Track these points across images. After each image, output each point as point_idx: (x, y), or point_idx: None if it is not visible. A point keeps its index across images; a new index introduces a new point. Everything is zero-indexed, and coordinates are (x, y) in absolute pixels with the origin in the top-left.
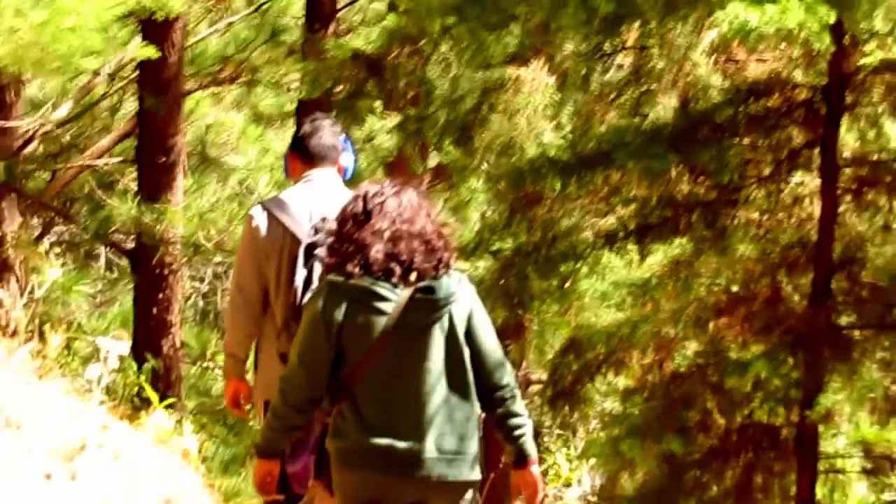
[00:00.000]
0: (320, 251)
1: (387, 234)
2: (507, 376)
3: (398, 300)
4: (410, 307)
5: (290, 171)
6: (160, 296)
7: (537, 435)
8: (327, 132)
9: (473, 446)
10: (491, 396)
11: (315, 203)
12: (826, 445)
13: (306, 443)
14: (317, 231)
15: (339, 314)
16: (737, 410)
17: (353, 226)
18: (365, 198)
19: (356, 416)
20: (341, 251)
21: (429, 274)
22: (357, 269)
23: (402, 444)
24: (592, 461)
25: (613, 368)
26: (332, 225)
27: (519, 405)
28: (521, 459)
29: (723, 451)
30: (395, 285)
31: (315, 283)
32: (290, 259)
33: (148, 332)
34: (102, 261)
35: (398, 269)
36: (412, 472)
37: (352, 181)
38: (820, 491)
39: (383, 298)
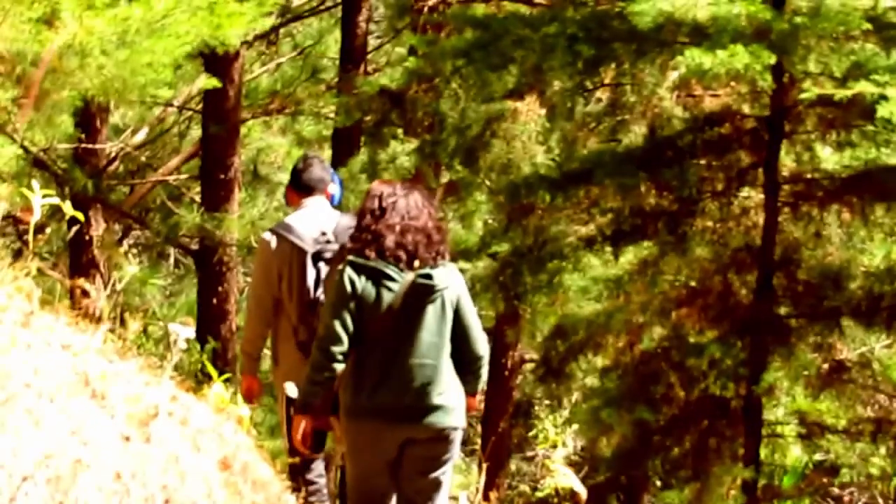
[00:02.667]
0: (326, 256)
1: (397, 228)
2: (483, 349)
3: (403, 282)
4: (412, 289)
5: (289, 201)
6: (219, 289)
7: (530, 406)
8: (317, 168)
9: (453, 401)
10: (469, 362)
11: (312, 223)
12: (768, 414)
13: (327, 407)
14: (317, 243)
15: (359, 285)
16: (695, 385)
17: (371, 219)
18: (381, 197)
19: (359, 375)
20: (361, 239)
21: (428, 262)
22: (373, 254)
23: (395, 400)
24: (576, 427)
25: (593, 350)
26: (349, 222)
27: (484, 370)
28: (472, 393)
29: (683, 419)
30: (402, 269)
31: (322, 281)
32: (300, 266)
33: (209, 319)
34: (172, 260)
35: (405, 257)
36: (403, 421)
37: (339, 206)
38: (763, 452)
39: (391, 279)
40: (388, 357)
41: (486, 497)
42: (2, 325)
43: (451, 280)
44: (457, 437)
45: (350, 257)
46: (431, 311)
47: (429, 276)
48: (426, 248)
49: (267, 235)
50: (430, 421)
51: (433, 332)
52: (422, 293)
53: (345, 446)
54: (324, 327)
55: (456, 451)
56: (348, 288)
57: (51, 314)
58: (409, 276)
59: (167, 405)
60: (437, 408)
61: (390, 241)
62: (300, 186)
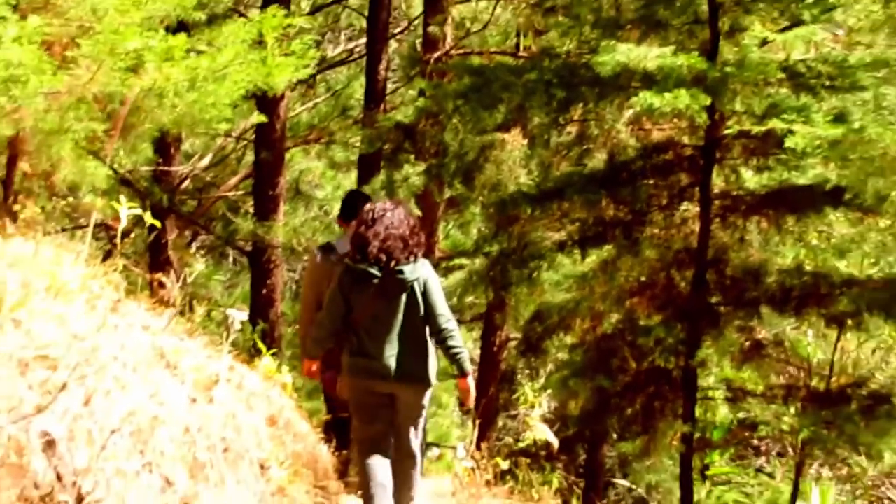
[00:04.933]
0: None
1: (381, 235)
2: (448, 323)
3: (381, 278)
4: (387, 283)
5: (339, 225)
6: (268, 282)
7: (514, 375)
8: (358, 202)
9: (424, 364)
10: (439, 335)
11: (347, 246)
12: (702, 382)
13: (332, 363)
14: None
15: (349, 284)
16: (644, 359)
17: (364, 228)
18: (373, 211)
19: (356, 346)
20: (354, 247)
21: (402, 262)
22: (360, 258)
23: (380, 363)
24: (550, 391)
25: (563, 331)
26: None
27: (456, 340)
28: (461, 372)
29: (634, 386)
30: (382, 268)
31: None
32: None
33: (259, 306)
34: (231, 259)
35: (384, 258)
36: (386, 378)
37: None
38: (697, 412)
39: (373, 276)
40: (373, 333)
41: (478, 447)
42: (95, 310)
43: (419, 272)
44: (427, 391)
45: (346, 261)
46: (404, 298)
47: (401, 272)
48: (401, 251)
49: (315, 252)
50: (405, 380)
51: (406, 313)
52: (395, 285)
53: (350, 398)
54: (325, 307)
55: (427, 400)
56: (339, 288)
57: (134, 302)
58: (386, 274)
59: (226, 373)
60: (410, 370)
61: (374, 246)
62: (345, 216)
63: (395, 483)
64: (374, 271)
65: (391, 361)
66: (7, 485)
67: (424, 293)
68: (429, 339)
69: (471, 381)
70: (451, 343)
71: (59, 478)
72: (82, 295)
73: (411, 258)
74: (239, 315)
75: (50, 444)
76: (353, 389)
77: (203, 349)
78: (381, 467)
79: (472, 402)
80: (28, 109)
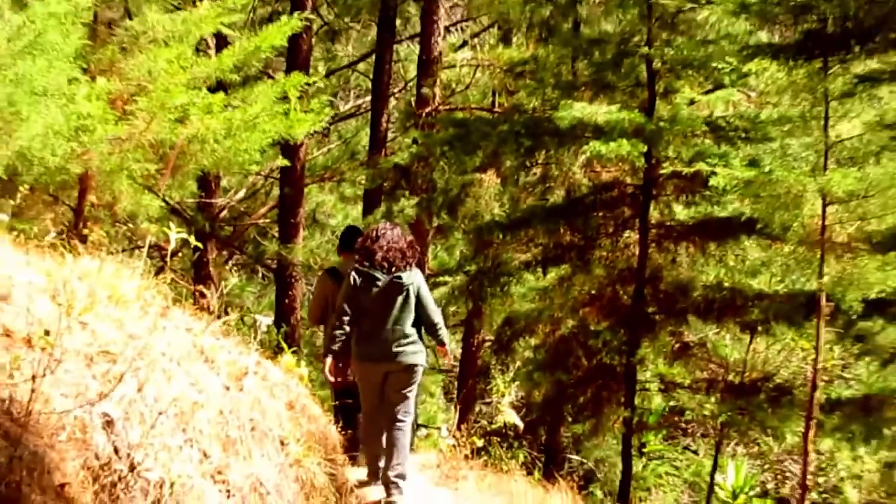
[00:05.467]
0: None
1: (384, 248)
2: (437, 317)
3: (384, 281)
4: (388, 285)
5: (339, 254)
6: (289, 293)
7: (488, 369)
8: (353, 236)
9: (414, 350)
10: (431, 326)
11: (347, 270)
12: (640, 376)
13: (344, 358)
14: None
15: (359, 283)
16: (593, 357)
17: (370, 242)
18: (376, 230)
19: (361, 336)
20: (363, 255)
21: (401, 269)
22: (367, 265)
23: (380, 349)
24: (517, 383)
25: (528, 334)
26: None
27: (442, 328)
28: (440, 343)
29: (585, 379)
30: (384, 273)
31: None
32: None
33: (282, 312)
34: (260, 275)
35: (386, 266)
36: (383, 361)
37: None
38: (636, 400)
39: (377, 279)
40: (375, 325)
41: (459, 428)
42: (147, 315)
43: (413, 279)
44: (418, 370)
45: (356, 266)
46: (401, 298)
47: (399, 278)
48: (400, 260)
49: (323, 275)
50: (399, 360)
51: (401, 310)
52: (395, 287)
53: (357, 377)
54: (338, 307)
55: (418, 378)
56: (352, 284)
57: (179, 309)
58: (387, 278)
59: (253, 367)
60: (403, 353)
61: (379, 256)
62: (343, 247)
63: (386, 449)
64: (379, 275)
65: (389, 347)
66: (73, 456)
67: (418, 296)
68: (417, 331)
69: (447, 349)
70: (438, 329)
71: (115, 451)
72: (137, 303)
73: (407, 267)
74: (265, 320)
75: (109, 424)
76: (359, 370)
77: (235, 347)
78: (379, 435)
79: (447, 361)
80: (95, 152)
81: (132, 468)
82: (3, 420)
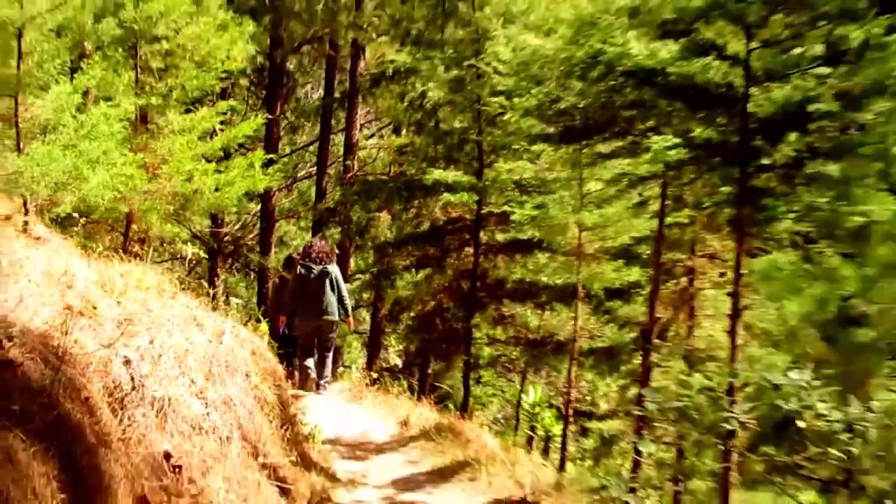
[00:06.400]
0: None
1: (316, 251)
2: (346, 297)
3: (316, 270)
4: (319, 273)
5: (282, 269)
6: (265, 286)
7: (385, 332)
8: (314, 246)
9: (334, 313)
10: (341, 302)
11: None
12: (475, 335)
13: (289, 317)
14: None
15: (302, 272)
16: (446, 323)
17: (308, 248)
18: (312, 242)
19: (303, 303)
20: (304, 255)
21: (326, 263)
22: (307, 260)
23: (312, 312)
24: (402, 339)
25: (407, 310)
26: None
27: (347, 301)
28: (347, 314)
29: (441, 338)
30: (317, 264)
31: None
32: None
33: (262, 297)
34: (251, 275)
35: (318, 260)
36: (315, 318)
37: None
38: (473, 350)
39: (311, 269)
40: (310, 298)
41: (366, 367)
42: (162, 297)
43: (333, 270)
44: (336, 325)
45: (300, 261)
46: (327, 281)
47: (326, 268)
48: (326, 257)
49: (288, 258)
50: (325, 318)
51: (327, 288)
52: (323, 273)
53: (298, 327)
54: (290, 289)
55: (336, 329)
56: (298, 273)
57: (184, 294)
58: (319, 267)
59: (230, 329)
60: (327, 314)
61: (313, 254)
62: (284, 266)
63: (318, 367)
64: (313, 266)
65: (320, 310)
66: (96, 381)
67: (336, 280)
68: (336, 303)
69: (350, 319)
70: (345, 304)
71: (132, 379)
72: (155, 290)
73: (329, 262)
74: (236, 300)
75: (128, 362)
76: (301, 323)
77: (218, 317)
78: (310, 361)
79: (351, 327)
80: (134, 199)
81: (142, 393)
82: (50, 356)
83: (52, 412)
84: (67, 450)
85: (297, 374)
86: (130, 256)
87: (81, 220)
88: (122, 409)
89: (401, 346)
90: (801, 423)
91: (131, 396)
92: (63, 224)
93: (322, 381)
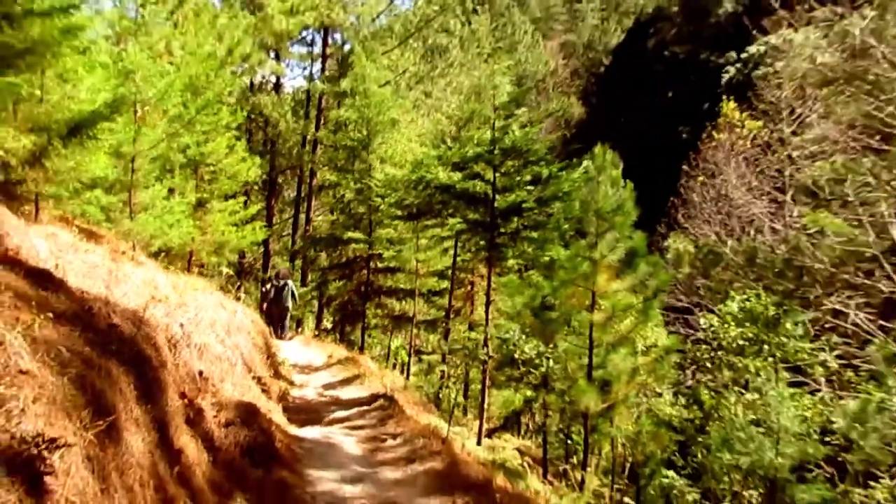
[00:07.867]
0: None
1: (281, 273)
2: (297, 296)
3: (280, 283)
4: (281, 285)
5: (266, 281)
6: (262, 289)
7: (322, 310)
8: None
9: (289, 305)
10: (293, 299)
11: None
12: (367, 313)
13: (268, 309)
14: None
15: (271, 288)
16: (353, 307)
17: (278, 272)
18: (279, 269)
19: (273, 300)
20: (275, 276)
21: (286, 280)
22: (274, 280)
23: (279, 305)
24: (332, 315)
25: (335, 300)
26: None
27: (297, 300)
28: (295, 303)
29: (351, 315)
30: (281, 281)
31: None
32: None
33: (262, 297)
34: (256, 283)
35: (281, 278)
36: (280, 306)
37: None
38: (366, 321)
39: (277, 284)
40: (277, 297)
41: (316, 328)
42: (206, 294)
43: (290, 283)
44: (288, 309)
45: (273, 278)
46: (286, 289)
47: (286, 282)
48: (286, 277)
49: (271, 282)
50: (284, 305)
51: (287, 292)
52: (284, 285)
53: (270, 313)
54: (268, 292)
55: (289, 313)
56: (272, 285)
57: (221, 293)
58: (283, 282)
59: (241, 309)
60: (286, 305)
61: (280, 275)
62: (275, 276)
63: (280, 330)
64: (279, 281)
65: (281, 304)
66: (160, 334)
67: (291, 288)
68: (290, 298)
69: (297, 304)
70: (295, 299)
71: (183, 334)
72: (201, 290)
73: (288, 279)
74: (245, 296)
75: (182, 326)
76: (269, 310)
77: (235, 304)
78: (277, 324)
79: (298, 310)
80: (193, 244)
81: (188, 341)
82: (136, 322)
83: (134, 349)
84: (141, 369)
85: (273, 332)
86: (190, 273)
87: (163, 254)
88: (175, 349)
89: (332, 318)
90: (518, 357)
91: (181, 343)
92: (154, 256)
93: (285, 335)
